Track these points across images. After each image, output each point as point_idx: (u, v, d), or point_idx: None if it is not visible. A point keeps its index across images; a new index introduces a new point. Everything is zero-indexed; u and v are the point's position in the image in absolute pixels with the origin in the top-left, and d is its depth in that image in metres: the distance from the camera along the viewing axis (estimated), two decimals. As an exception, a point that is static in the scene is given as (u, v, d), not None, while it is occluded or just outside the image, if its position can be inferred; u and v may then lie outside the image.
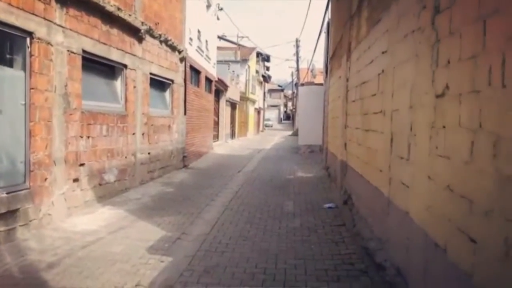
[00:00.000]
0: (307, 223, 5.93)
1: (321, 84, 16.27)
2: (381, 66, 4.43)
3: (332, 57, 11.02)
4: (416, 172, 3.15)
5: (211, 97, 17.92)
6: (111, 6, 6.93)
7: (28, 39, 5.02)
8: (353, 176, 6.31)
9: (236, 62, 30.37)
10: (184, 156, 11.92)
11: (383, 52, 4.37)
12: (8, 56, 4.84)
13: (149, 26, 8.76)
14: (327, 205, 7.00)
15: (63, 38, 5.70)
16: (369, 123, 5.07)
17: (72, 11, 5.92)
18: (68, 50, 5.82)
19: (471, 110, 2.20)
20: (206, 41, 15.98)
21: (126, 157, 7.86)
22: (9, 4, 4.62)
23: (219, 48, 22.57)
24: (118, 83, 7.88)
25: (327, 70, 13.04)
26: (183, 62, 11.68)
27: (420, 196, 3.01)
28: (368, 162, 5.10)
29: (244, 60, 33.20)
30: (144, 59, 8.71)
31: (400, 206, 3.52)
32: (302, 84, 22.15)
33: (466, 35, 2.30)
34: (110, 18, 7.03)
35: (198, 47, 14.42)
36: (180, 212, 6.47)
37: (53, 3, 5.47)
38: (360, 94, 5.83)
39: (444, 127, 2.59)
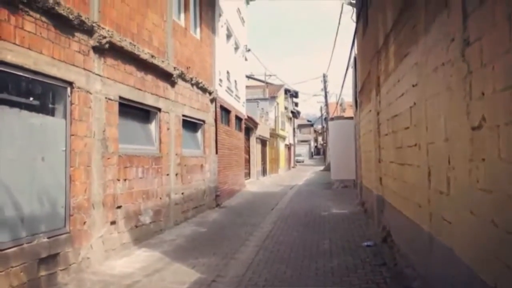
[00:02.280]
0: (345, 262, 5.73)
1: (351, 118, 16.18)
2: (413, 99, 4.39)
3: (361, 91, 11.01)
4: (457, 207, 3.02)
5: (242, 135, 18.14)
6: (146, 54, 7.30)
7: (68, 89, 5.33)
8: (391, 212, 6.11)
9: (265, 99, 30.87)
10: (217, 195, 11.98)
11: (413, 85, 4.34)
12: (50, 105, 5.14)
13: (181, 71, 9.12)
14: (365, 243, 6.76)
15: (101, 86, 6.02)
16: (404, 157, 4.96)
17: (109, 61, 6.27)
18: (106, 97, 6.12)
19: (510, 142, 2.12)
20: (235, 81, 16.40)
21: (160, 198, 7.99)
22: (52, 57, 4.96)
23: (247, 87, 23.08)
24: (152, 126, 8.15)
25: (356, 104, 13.00)
26: (214, 103, 11.99)
27: (464, 232, 2.87)
28: (406, 197, 4.94)
29: (273, 98, 33.70)
30: (176, 102, 9.01)
31: (444, 243, 3.36)
32: (332, 119, 22.10)
33: (499, 67, 2.26)
34: (144, 65, 7.39)
35: (228, 87, 14.80)
36: (214, 253, 6.42)
37: (92, 54, 5.82)
38: (393, 127, 5.75)
39: (483, 160, 2.50)
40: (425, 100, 3.85)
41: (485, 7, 2.42)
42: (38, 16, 4.72)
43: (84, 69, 5.62)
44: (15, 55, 4.36)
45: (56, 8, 4.92)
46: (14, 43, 4.37)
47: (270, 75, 35.67)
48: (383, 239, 6.44)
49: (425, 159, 3.93)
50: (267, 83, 34.23)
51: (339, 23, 26.40)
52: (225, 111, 14.50)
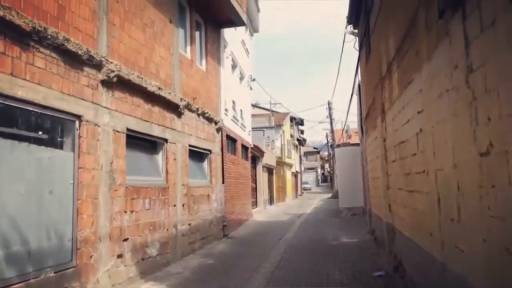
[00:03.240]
0: (356, 293, 5.58)
1: (357, 145, 16.16)
2: (419, 125, 4.39)
3: (366, 118, 11.05)
4: (469, 235, 2.96)
5: (248, 164, 18.14)
6: (153, 86, 7.43)
7: (77, 122, 5.41)
8: (401, 240, 5.99)
9: (270, 128, 31.02)
10: (224, 225, 11.85)
11: (418, 112, 4.35)
12: (59, 139, 5.20)
13: (187, 102, 9.24)
14: (376, 273, 6.59)
15: (109, 118, 6.10)
16: (413, 184, 4.91)
17: (117, 93, 6.38)
18: (113, 130, 6.19)
19: (521, 167, 2.10)
20: (241, 110, 16.56)
21: (167, 230, 7.92)
22: (61, 92, 5.07)
23: (253, 115, 23.28)
24: (159, 157, 8.19)
25: (362, 131, 13.01)
26: (220, 132, 12.06)
27: (477, 260, 2.80)
28: (416, 225, 4.86)
29: (278, 126, 33.88)
30: (183, 132, 9.08)
31: (457, 271, 3.27)
32: (338, 145, 22.08)
33: (503, 93, 2.27)
34: (151, 97, 7.50)
35: (234, 116, 14.93)
36: (222, 286, 6.29)
37: (100, 87, 5.94)
38: (400, 154, 5.72)
39: (493, 186, 2.47)
40: (431, 126, 3.85)
41: (486, 34, 2.45)
42: (48, 52, 4.85)
43: (93, 102, 5.71)
44: (25, 91, 4.46)
45: (66, 44, 5.07)
46: (25, 79, 4.48)
47: (275, 104, 35.98)
48: (395, 268, 6.29)
49: (434, 185, 3.89)
50: (272, 111, 34.49)
51: (342, 52, 26.78)
52: (231, 140, 14.57)
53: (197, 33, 10.79)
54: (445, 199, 3.58)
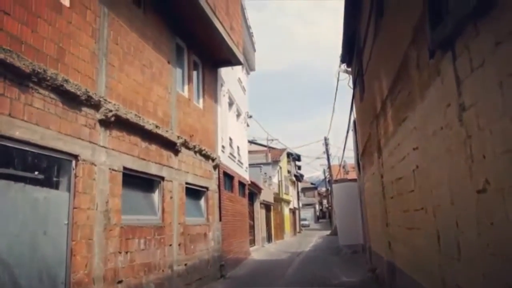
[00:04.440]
0: (358, 335, 5.38)
1: (355, 180, 16.13)
2: (415, 162, 4.41)
3: (363, 154, 11.09)
4: (470, 272, 2.91)
5: (245, 201, 17.98)
6: (150, 124, 7.48)
7: (73, 162, 5.39)
8: (403, 279, 5.86)
9: (267, 164, 31.00)
10: (221, 265, 11.57)
11: (414, 149, 4.38)
12: (54, 178, 5.16)
13: (184, 139, 9.29)
14: (377, 313, 6.40)
15: (106, 157, 6.09)
16: (412, 221, 4.87)
17: (114, 132, 6.41)
18: (110, 169, 6.17)
19: (518, 205, 2.10)
20: (238, 147, 16.61)
21: (163, 271, 7.72)
22: (59, 131, 5.09)
23: (250, 152, 23.34)
24: (155, 195, 8.11)
25: (359, 166, 13.03)
26: (217, 169, 12.03)
27: (481, 301, 2.73)
28: (417, 263, 4.77)
29: (276, 162, 33.88)
30: (180, 170, 9.05)
31: (460, 313, 3.18)
32: (336, 181, 22.06)
33: (496, 131, 2.30)
34: (149, 136, 7.54)
35: (230, 153, 14.96)
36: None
37: (98, 127, 5.97)
38: (397, 190, 5.71)
39: (492, 223, 2.45)
40: (427, 163, 3.87)
41: (477, 73, 2.52)
42: (47, 93, 4.92)
43: (90, 141, 5.73)
44: (23, 131, 4.48)
45: (65, 85, 5.15)
46: (23, 119, 4.51)
47: (272, 140, 36.16)
48: (397, 308, 6.11)
49: (433, 223, 3.85)
50: (269, 147, 34.61)
51: (336, 90, 27.28)
52: (228, 177, 14.52)
53: (194, 73, 11.00)
54: (444, 237, 3.54)
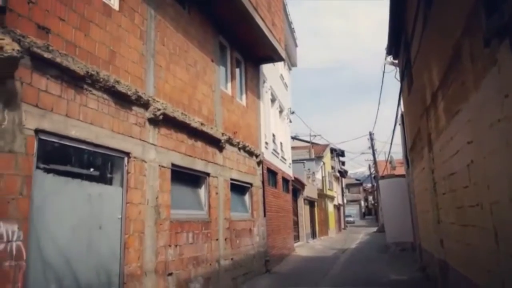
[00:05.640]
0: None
1: (403, 176, 15.61)
2: (469, 156, 4.20)
3: (412, 149, 10.72)
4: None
5: (289, 196, 17.94)
6: (196, 122, 7.65)
7: (125, 159, 5.64)
8: (456, 278, 5.63)
9: (310, 160, 30.75)
10: (266, 260, 11.65)
11: (468, 142, 4.18)
12: (108, 175, 5.43)
13: (229, 136, 9.41)
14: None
15: (155, 154, 6.31)
16: (466, 217, 4.66)
17: (163, 130, 6.63)
18: (159, 165, 6.39)
19: None
20: (281, 143, 16.59)
21: (210, 264, 7.90)
22: (112, 130, 5.34)
23: (293, 148, 23.23)
24: (201, 191, 8.30)
25: (408, 162, 12.61)
26: (260, 166, 12.10)
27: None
28: (472, 262, 4.56)
29: (319, 157, 33.51)
30: (224, 166, 9.20)
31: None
32: (383, 177, 21.42)
33: None
34: (195, 133, 7.72)
35: (274, 149, 14.98)
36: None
37: (147, 125, 6.20)
38: (450, 186, 5.47)
39: (559, 221, 2.29)
40: (483, 157, 3.68)
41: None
42: (100, 94, 5.17)
43: (140, 139, 5.96)
44: (79, 130, 4.74)
45: (116, 86, 5.38)
46: (78, 119, 4.77)
47: (315, 135, 35.87)
48: (451, 309, 5.88)
49: (489, 219, 3.67)
50: (312, 143, 34.29)
51: (382, 83, 26.55)
52: (272, 173, 14.55)
53: (237, 70, 11.10)
54: (502, 234, 3.35)
